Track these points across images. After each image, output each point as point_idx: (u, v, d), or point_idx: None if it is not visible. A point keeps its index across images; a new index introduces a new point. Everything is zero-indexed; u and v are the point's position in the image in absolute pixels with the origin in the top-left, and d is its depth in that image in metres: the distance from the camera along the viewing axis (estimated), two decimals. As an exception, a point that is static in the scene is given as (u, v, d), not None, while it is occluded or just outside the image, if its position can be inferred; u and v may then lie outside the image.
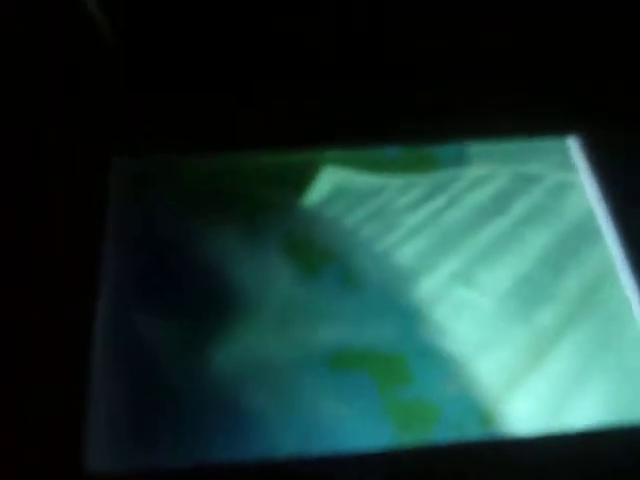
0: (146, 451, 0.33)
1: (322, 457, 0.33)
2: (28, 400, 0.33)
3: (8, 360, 0.34)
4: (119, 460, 0.33)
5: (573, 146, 0.43)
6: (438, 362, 0.36)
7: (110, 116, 0.41)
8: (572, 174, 0.42)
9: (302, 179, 0.42)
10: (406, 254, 0.39)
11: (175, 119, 0.42)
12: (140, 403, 0.34)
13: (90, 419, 0.33)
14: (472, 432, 0.34)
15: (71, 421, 0.33)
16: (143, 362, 0.35)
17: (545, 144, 0.43)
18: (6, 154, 0.39)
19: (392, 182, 0.42)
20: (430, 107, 0.42)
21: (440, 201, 0.42)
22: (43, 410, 0.33)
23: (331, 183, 0.42)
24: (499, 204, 0.42)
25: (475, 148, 0.43)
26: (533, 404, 0.35)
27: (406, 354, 0.36)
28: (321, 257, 0.39)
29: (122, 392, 0.34)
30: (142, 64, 0.42)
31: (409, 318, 0.37)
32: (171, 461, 0.33)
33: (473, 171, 0.43)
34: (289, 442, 0.33)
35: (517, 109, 0.43)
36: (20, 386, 0.34)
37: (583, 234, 0.40)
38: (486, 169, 0.43)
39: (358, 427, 0.34)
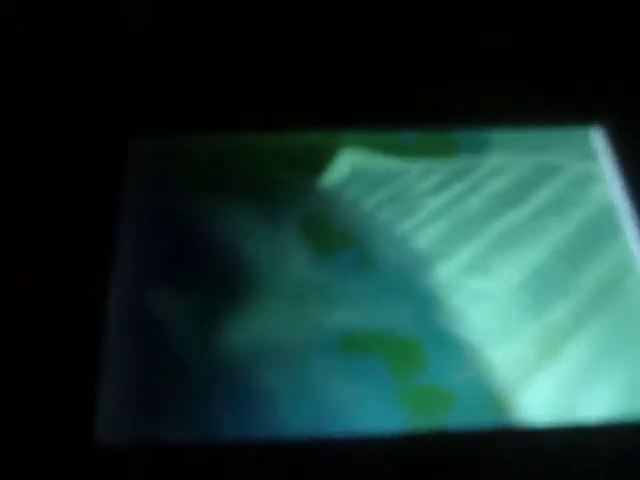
0: (156, 426, 0.33)
1: (330, 438, 0.33)
2: (39, 373, 0.33)
3: (21, 335, 0.34)
4: (129, 434, 0.33)
5: (596, 136, 0.43)
6: (453, 348, 0.35)
7: (125, 97, 0.41)
8: (595, 165, 0.42)
9: (320, 161, 0.42)
10: (424, 239, 0.39)
11: (191, 99, 0.41)
12: (152, 378, 0.34)
13: (101, 393, 0.33)
14: (486, 419, 0.33)
15: (82, 395, 0.33)
16: (155, 338, 0.35)
17: (568, 134, 0.43)
18: (21, 137, 0.39)
19: (413, 166, 0.42)
20: (452, 92, 0.42)
21: (460, 187, 0.41)
22: (54, 384, 0.33)
23: (350, 166, 0.42)
24: (520, 193, 0.41)
25: (498, 136, 0.43)
26: (546, 396, 0.35)
27: (421, 339, 0.36)
28: (338, 239, 0.39)
29: (134, 367, 0.34)
30: (159, 45, 0.42)
31: (425, 303, 0.37)
32: (180, 436, 0.33)
33: (495, 159, 0.42)
34: (299, 422, 0.33)
35: (540, 97, 0.42)
36: (32, 361, 0.34)
37: (604, 226, 0.40)
38: (508, 157, 0.42)
39: (370, 410, 0.34)
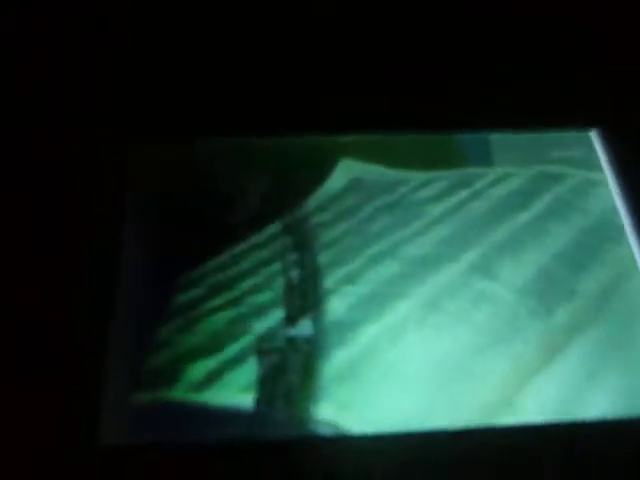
0: (158, 426, 0.33)
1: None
2: (44, 374, 0.34)
3: (26, 337, 0.35)
4: (132, 434, 0.33)
5: (596, 140, 0.43)
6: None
7: (127, 105, 0.42)
8: (597, 172, 0.42)
9: (318, 170, 0.42)
10: (426, 243, 0.39)
11: (191, 107, 0.42)
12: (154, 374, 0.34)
13: (104, 393, 0.33)
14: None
15: (86, 395, 0.33)
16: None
17: (570, 139, 0.43)
18: (22, 146, 0.40)
19: (413, 176, 0.42)
20: (453, 96, 0.43)
21: (462, 195, 0.42)
22: (58, 384, 0.33)
23: (349, 175, 0.42)
24: (522, 199, 0.41)
25: (499, 147, 0.43)
26: (547, 397, 0.34)
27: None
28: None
29: (138, 366, 0.35)
30: (159, 57, 0.43)
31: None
32: (182, 437, 0.33)
33: (497, 169, 0.43)
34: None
35: (539, 101, 0.43)
36: (36, 360, 0.34)
37: (606, 231, 0.40)
38: (510, 168, 0.43)
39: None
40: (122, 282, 0.36)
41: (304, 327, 0.36)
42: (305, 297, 0.37)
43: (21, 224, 0.37)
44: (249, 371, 0.34)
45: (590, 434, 0.33)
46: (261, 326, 0.36)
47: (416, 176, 0.42)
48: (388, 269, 0.38)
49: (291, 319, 0.36)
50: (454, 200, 0.41)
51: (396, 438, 0.33)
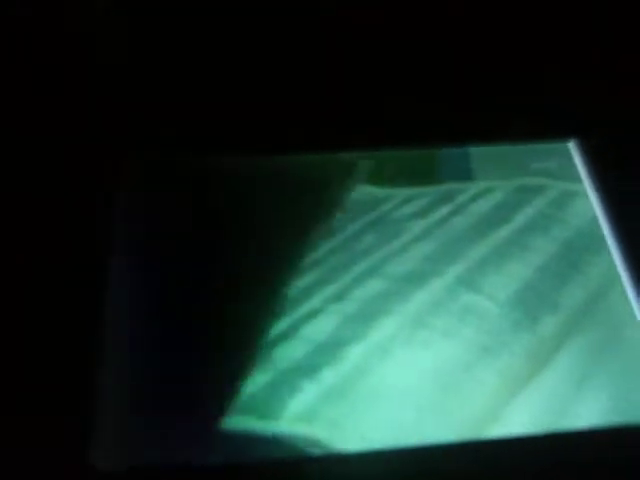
0: (156, 449, 0.33)
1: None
2: (38, 396, 0.34)
3: (17, 358, 0.35)
4: (129, 457, 0.33)
5: (574, 150, 0.44)
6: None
7: (121, 117, 0.42)
8: (576, 183, 0.43)
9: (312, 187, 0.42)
10: (410, 259, 0.40)
11: (185, 122, 0.43)
12: (150, 400, 0.34)
13: (99, 417, 0.33)
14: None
15: (81, 418, 0.33)
16: (153, 358, 0.36)
17: (548, 150, 0.44)
18: (17, 156, 0.40)
19: (396, 193, 0.43)
20: (430, 111, 0.43)
21: (444, 210, 0.42)
22: (53, 407, 0.33)
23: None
24: (504, 213, 0.42)
25: (479, 160, 0.44)
26: (535, 409, 0.35)
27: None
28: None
29: (133, 388, 0.35)
30: (155, 69, 0.43)
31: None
32: (182, 458, 0.33)
33: (479, 184, 0.43)
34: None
35: (518, 113, 0.43)
36: (29, 384, 0.34)
37: (587, 242, 0.41)
38: (491, 182, 0.43)
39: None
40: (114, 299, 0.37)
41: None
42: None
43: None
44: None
45: (575, 444, 0.34)
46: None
47: (399, 193, 0.43)
48: (374, 287, 0.39)
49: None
50: (437, 216, 0.42)
51: (387, 454, 0.33)
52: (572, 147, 0.44)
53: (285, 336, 0.37)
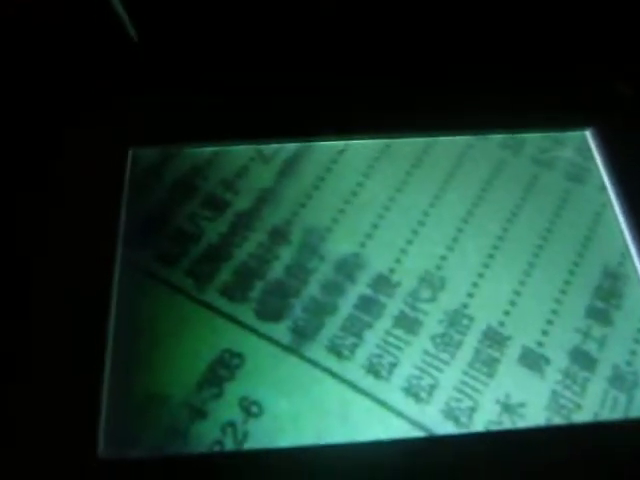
0: (158, 439, 0.33)
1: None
2: (43, 387, 0.34)
3: (23, 349, 0.35)
4: (132, 446, 0.33)
5: (589, 139, 0.43)
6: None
7: (128, 107, 0.42)
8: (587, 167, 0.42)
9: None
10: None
11: (191, 111, 0.43)
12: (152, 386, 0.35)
13: (105, 406, 0.34)
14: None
15: (85, 407, 0.33)
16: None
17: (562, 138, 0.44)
18: (24, 145, 0.40)
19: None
20: (445, 98, 0.43)
21: None
22: (58, 397, 0.33)
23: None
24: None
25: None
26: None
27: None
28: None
29: (136, 379, 0.35)
30: (162, 58, 0.43)
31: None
32: (184, 449, 0.33)
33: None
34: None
35: (531, 102, 0.43)
36: (35, 374, 0.34)
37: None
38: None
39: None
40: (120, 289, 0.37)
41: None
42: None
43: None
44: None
45: (529, 441, 0.33)
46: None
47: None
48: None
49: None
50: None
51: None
52: (589, 135, 0.43)
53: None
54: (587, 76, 0.44)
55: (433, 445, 0.33)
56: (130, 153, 0.41)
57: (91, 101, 0.42)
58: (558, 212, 0.41)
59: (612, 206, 0.41)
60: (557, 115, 0.43)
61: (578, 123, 0.43)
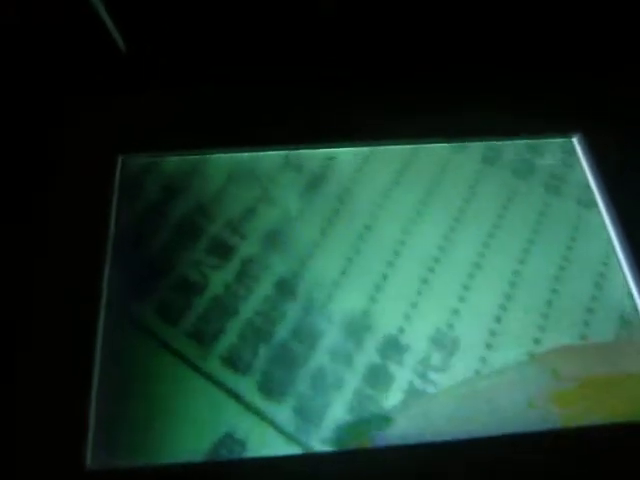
0: (145, 449, 0.33)
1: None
2: (31, 397, 0.34)
3: (10, 360, 0.35)
4: (119, 457, 0.33)
5: (575, 145, 0.44)
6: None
7: (116, 114, 0.42)
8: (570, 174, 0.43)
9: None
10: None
11: (179, 117, 0.43)
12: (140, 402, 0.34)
13: (92, 417, 0.34)
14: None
15: (73, 419, 0.33)
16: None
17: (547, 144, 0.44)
18: (14, 150, 0.40)
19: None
20: (431, 107, 0.43)
21: None
22: (45, 408, 0.33)
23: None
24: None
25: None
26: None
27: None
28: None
29: (124, 391, 0.35)
30: (149, 66, 0.43)
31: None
32: (170, 459, 0.33)
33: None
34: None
35: (518, 109, 0.43)
36: (23, 385, 0.34)
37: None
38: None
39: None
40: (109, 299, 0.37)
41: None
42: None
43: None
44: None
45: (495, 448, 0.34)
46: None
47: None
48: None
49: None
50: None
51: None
52: (576, 142, 0.44)
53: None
54: (573, 82, 0.44)
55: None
56: (119, 160, 0.41)
57: (79, 106, 0.42)
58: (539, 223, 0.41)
59: (599, 211, 0.41)
60: (543, 121, 0.43)
61: (565, 129, 0.43)
